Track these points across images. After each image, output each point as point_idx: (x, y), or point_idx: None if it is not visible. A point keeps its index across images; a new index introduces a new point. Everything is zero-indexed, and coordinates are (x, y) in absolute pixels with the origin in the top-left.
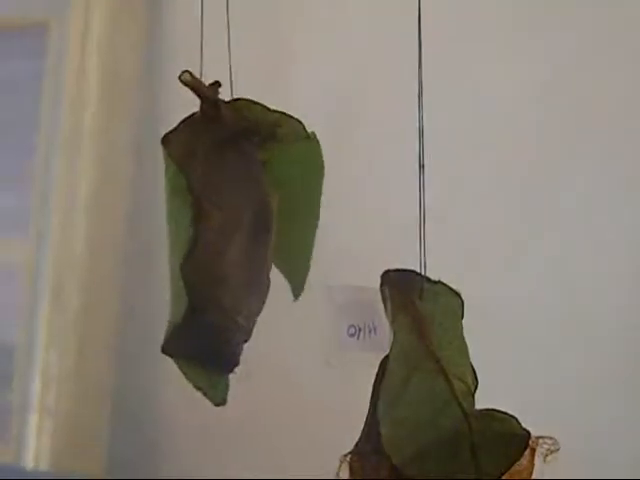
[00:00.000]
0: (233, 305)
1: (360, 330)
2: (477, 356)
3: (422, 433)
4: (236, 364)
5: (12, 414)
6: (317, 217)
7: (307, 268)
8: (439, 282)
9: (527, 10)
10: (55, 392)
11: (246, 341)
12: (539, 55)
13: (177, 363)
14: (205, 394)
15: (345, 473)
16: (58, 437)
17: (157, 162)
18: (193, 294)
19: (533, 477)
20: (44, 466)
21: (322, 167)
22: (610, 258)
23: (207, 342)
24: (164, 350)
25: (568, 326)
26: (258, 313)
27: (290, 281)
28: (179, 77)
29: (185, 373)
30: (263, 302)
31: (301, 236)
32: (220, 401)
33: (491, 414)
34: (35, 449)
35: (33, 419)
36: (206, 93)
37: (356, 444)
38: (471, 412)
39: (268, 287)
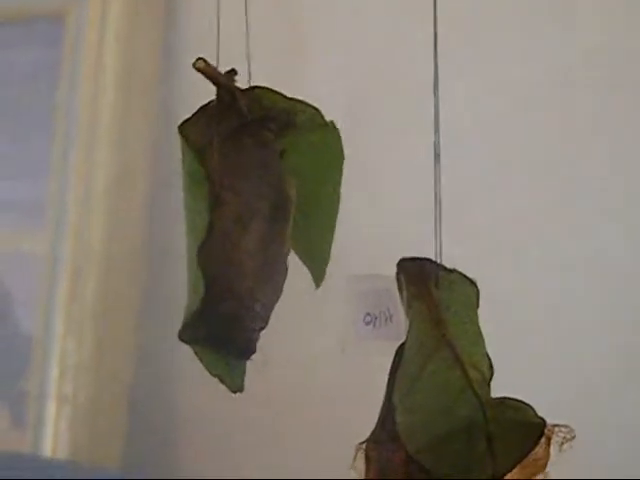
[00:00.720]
0: (250, 292)
1: (376, 318)
2: (493, 345)
3: (437, 421)
4: (253, 351)
5: (29, 403)
6: (337, 206)
7: (328, 256)
8: (455, 270)
9: None
10: (73, 381)
11: (262, 328)
12: (560, 42)
13: (194, 350)
14: (222, 381)
15: (361, 462)
16: (76, 426)
17: (175, 152)
18: (210, 281)
19: (549, 466)
20: (62, 455)
21: (342, 155)
22: (634, 245)
23: (224, 329)
24: (180, 337)
25: (587, 314)
26: (275, 301)
27: (311, 270)
28: (193, 64)
29: (202, 360)
30: (280, 290)
31: (321, 225)
32: (237, 388)
33: (506, 402)
34: (52, 438)
35: (50, 408)
36: (222, 80)
37: (372, 432)
38: (486, 400)
39: (285, 275)
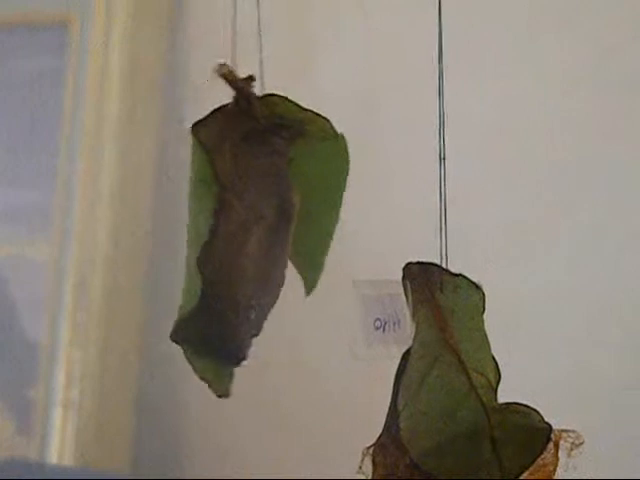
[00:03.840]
0: (247, 299)
1: (385, 323)
2: (500, 349)
3: (440, 427)
4: (243, 358)
5: (36, 410)
6: (337, 216)
7: (322, 266)
8: (460, 275)
9: None
10: (79, 388)
11: (255, 335)
12: (569, 43)
13: (184, 352)
14: (209, 385)
15: (368, 466)
16: (82, 433)
17: (181, 156)
18: (207, 284)
19: (558, 472)
20: (68, 462)
21: (347, 167)
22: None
23: (216, 333)
24: (172, 337)
25: (595, 318)
26: (270, 309)
27: (303, 277)
28: (216, 70)
29: (191, 362)
30: (276, 298)
31: (319, 234)
32: (224, 393)
33: (511, 407)
34: (59, 445)
35: (57, 415)
36: (241, 87)
37: (379, 437)
38: (491, 406)
39: (283, 283)
